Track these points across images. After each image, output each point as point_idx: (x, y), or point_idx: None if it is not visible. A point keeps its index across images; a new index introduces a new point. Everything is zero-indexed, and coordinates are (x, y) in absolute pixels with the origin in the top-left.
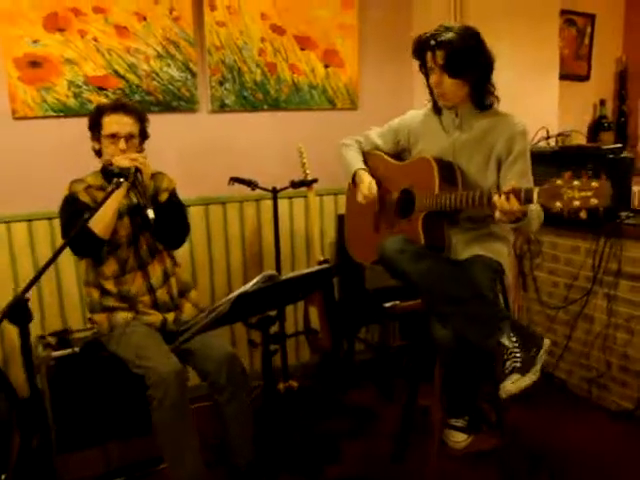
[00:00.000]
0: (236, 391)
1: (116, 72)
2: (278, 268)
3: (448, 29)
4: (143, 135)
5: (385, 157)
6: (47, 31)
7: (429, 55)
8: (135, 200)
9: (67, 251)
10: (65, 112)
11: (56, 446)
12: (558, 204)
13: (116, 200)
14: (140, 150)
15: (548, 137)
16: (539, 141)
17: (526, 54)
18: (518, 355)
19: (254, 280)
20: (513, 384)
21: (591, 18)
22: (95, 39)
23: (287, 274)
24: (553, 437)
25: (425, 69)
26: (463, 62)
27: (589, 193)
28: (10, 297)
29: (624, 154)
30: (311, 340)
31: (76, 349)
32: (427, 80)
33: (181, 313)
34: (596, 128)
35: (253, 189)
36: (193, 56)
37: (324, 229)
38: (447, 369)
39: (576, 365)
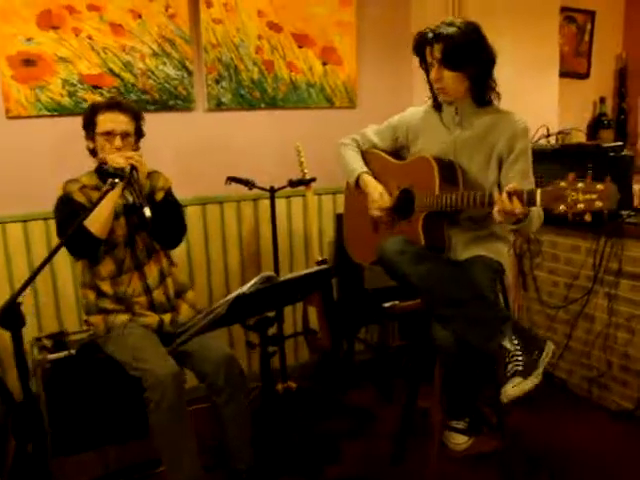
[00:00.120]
0: (234, 393)
1: (111, 70)
2: (276, 268)
3: (449, 24)
4: (139, 133)
5: (384, 156)
6: (41, 29)
7: (428, 50)
8: (131, 199)
9: (63, 252)
10: (59, 111)
11: (52, 450)
12: (562, 207)
13: (112, 200)
14: (136, 149)
15: (548, 135)
16: (539, 139)
17: (526, 51)
18: (520, 358)
19: (252, 281)
20: (515, 388)
21: (591, 15)
22: (90, 37)
23: (285, 275)
24: (553, 437)
25: (425, 65)
26: (462, 55)
27: (594, 196)
28: (5, 298)
29: (625, 152)
30: (310, 340)
31: (72, 351)
32: (427, 76)
33: (178, 314)
34: (596, 126)
35: (250, 188)
36: (189, 54)
37: (323, 229)
38: (447, 370)
39: (577, 365)
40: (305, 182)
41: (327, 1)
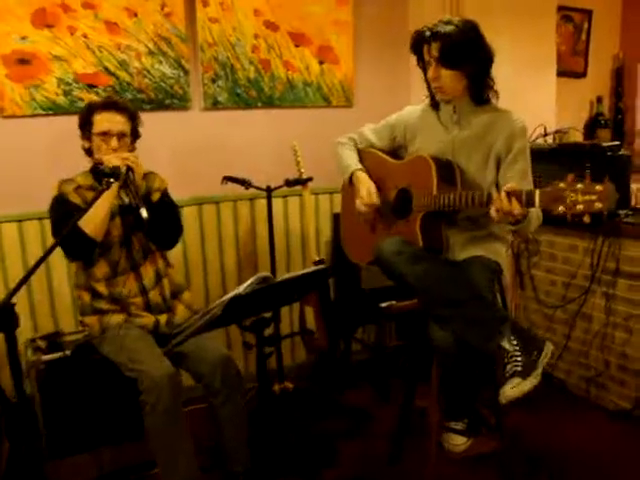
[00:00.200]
0: (231, 394)
1: (106, 69)
2: (273, 268)
3: (447, 22)
4: (135, 134)
5: (381, 155)
6: (35, 27)
7: (425, 48)
8: (127, 200)
9: (59, 252)
10: (55, 110)
11: (47, 452)
12: (561, 208)
13: (107, 200)
14: (131, 149)
15: (546, 134)
16: (537, 138)
17: (523, 50)
18: (519, 359)
19: (248, 282)
20: (513, 389)
21: (588, 14)
22: (85, 35)
23: (282, 275)
24: (552, 437)
25: (423, 63)
26: (459, 53)
27: (593, 197)
28: (0, 298)
29: (622, 151)
30: (307, 340)
31: (67, 352)
32: (425, 75)
33: (173, 315)
34: (593, 125)
35: (247, 188)
36: (185, 53)
37: (320, 228)
38: (445, 371)
39: (575, 364)
40: (302, 182)
41: (324, 0)
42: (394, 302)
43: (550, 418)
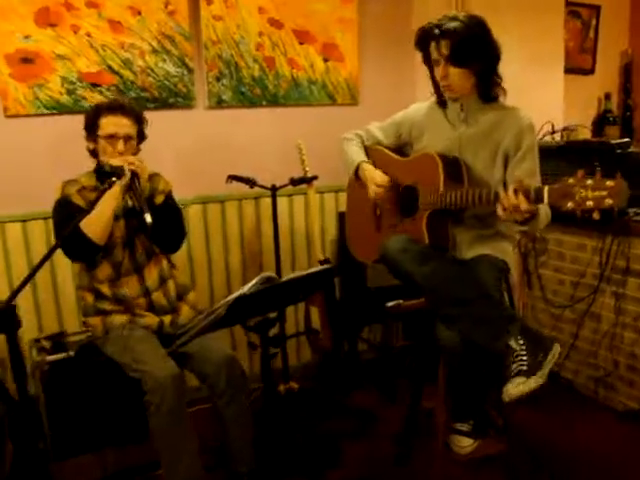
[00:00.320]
0: (235, 394)
1: (110, 68)
2: (278, 267)
3: (453, 18)
4: (141, 136)
5: (387, 152)
6: (39, 26)
7: (433, 45)
8: (131, 203)
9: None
10: (58, 109)
11: (51, 453)
12: (570, 204)
13: (110, 204)
14: (137, 151)
15: (553, 132)
16: (544, 135)
17: (530, 47)
18: (524, 358)
19: (252, 282)
20: (516, 387)
21: (596, 10)
22: (88, 34)
23: (287, 275)
24: (559, 438)
25: (429, 61)
26: (469, 51)
27: (603, 193)
28: (5, 297)
29: (631, 149)
30: (312, 340)
31: (71, 353)
32: (431, 72)
33: (178, 316)
34: (601, 122)
35: (252, 187)
36: (189, 51)
37: (325, 227)
38: (452, 371)
39: (583, 364)
40: (307, 180)
41: None
42: (401, 301)
43: (558, 418)
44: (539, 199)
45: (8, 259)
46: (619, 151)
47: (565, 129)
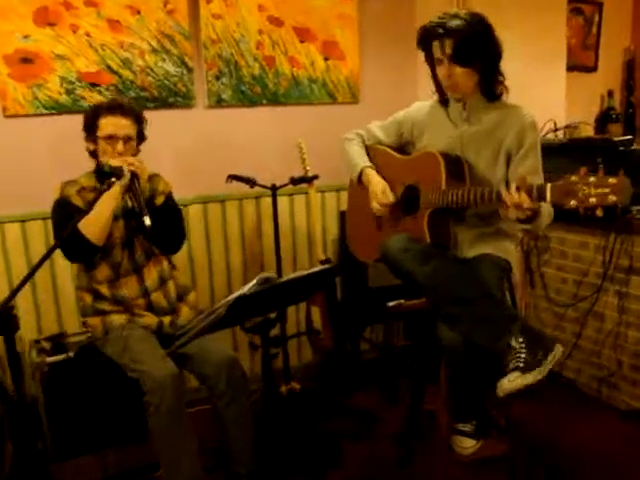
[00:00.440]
0: (235, 395)
1: (109, 68)
2: (279, 267)
3: (454, 16)
4: (140, 137)
5: (389, 151)
6: (38, 26)
7: (436, 45)
8: (131, 204)
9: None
10: (58, 109)
11: (51, 454)
12: (573, 202)
13: (109, 206)
14: (136, 152)
15: (556, 129)
16: (547, 133)
17: (532, 45)
18: (522, 356)
19: (251, 283)
20: (511, 382)
21: (599, 6)
22: (87, 34)
23: (287, 275)
24: (562, 437)
25: (431, 60)
26: (472, 50)
27: (606, 190)
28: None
29: (635, 146)
30: (313, 340)
31: (71, 354)
32: (432, 71)
33: (178, 317)
34: (604, 120)
35: (252, 187)
36: (189, 50)
37: (326, 226)
38: (453, 371)
39: (586, 364)
40: (307, 179)
41: None
42: (402, 301)
43: (560, 418)
44: (541, 197)
45: (7, 259)
46: (622, 148)
47: (567, 127)
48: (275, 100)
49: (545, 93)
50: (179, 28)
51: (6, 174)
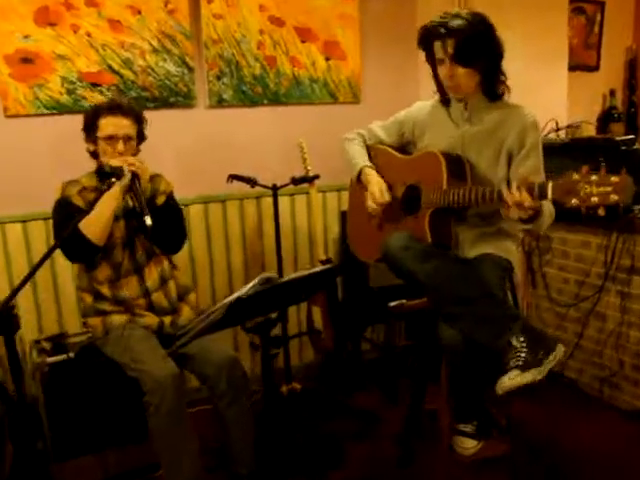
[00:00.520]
0: (236, 395)
1: (110, 68)
2: (280, 267)
3: (456, 16)
4: (140, 136)
5: (390, 151)
6: (38, 26)
7: (438, 45)
8: (132, 204)
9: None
10: (59, 109)
11: (52, 454)
12: (574, 200)
13: (110, 206)
14: (137, 151)
15: (558, 129)
16: (548, 133)
17: (534, 44)
18: (522, 355)
19: (251, 283)
20: (511, 380)
21: (601, 5)
22: (88, 34)
23: (288, 275)
24: (563, 437)
25: (432, 59)
26: (474, 50)
27: (608, 188)
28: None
29: (637, 145)
30: (314, 340)
31: (71, 354)
32: (434, 71)
33: (179, 317)
34: (606, 119)
35: (253, 186)
36: (190, 50)
37: (328, 226)
38: (454, 370)
39: (587, 364)
40: (308, 179)
41: None
42: (403, 301)
43: (561, 418)
44: (543, 195)
45: (8, 260)
46: (624, 148)
47: (569, 126)
48: (276, 100)
49: (547, 93)
50: (180, 28)
51: (7, 174)
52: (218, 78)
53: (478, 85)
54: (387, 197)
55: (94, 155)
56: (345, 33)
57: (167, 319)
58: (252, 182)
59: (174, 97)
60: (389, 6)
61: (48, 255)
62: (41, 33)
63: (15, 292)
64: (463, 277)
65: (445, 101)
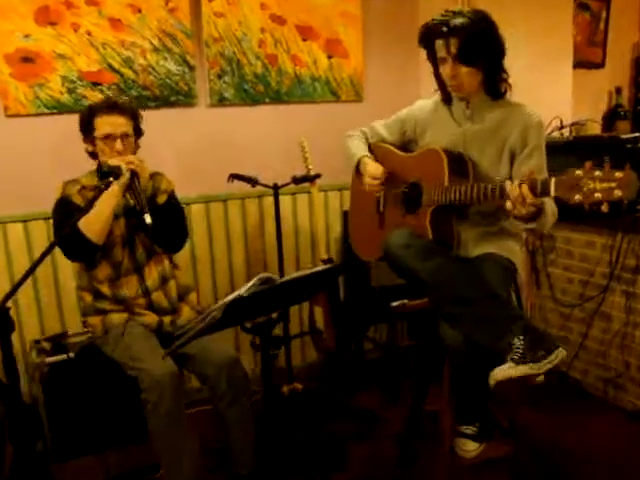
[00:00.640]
0: (237, 396)
1: (111, 67)
2: (281, 266)
3: (458, 14)
4: (137, 132)
5: (392, 149)
6: (39, 25)
7: (440, 43)
8: (132, 202)
9: None
10: (59, 109)
11: (52, 454)
12: (577, 197)
13: (109, 205)
14: (136, 147)
15: (562, 127)
16: (553, 131)
17: (538, 42)
18: (520, 351)
19: (250, 283)
20: (502, 371)
21: (606, 2)
22: (88, 33)
23: (289, 274)
24: (566, 438)
25: (433, 58)
26: (477, 48)
27: (612, 184)
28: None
29: None
30: (316, 340)
31: (71, 354)
32: (435, 69)
33: (179, 316)
34: (612, 117)
35: (253, 186)
36: (190, 48)
37: (329, 226)
38: (456, 371)
39: (592, 364)
40: (309, 179)
41: None
42: (405, 301)
43: (565, 418)
44: (545, 191)
45: (10, 260)
46: (629, 146)
47: (574, 124)
48: (278, 98)
49: (551, 91)
50: (181, 26)
51: (8, 174)
52: (219, 77)
53: (480, 84)
54: (381, 170)
55: (93, 155)
56: (347, 31)
57: (167, 318)
58: (253, 181)
59: (175, 96)
60: (391, 4)
61: (46, 254)
62: (41, 32)
63: (11, 294)
64: (464, 276)
65: (447, 99)
